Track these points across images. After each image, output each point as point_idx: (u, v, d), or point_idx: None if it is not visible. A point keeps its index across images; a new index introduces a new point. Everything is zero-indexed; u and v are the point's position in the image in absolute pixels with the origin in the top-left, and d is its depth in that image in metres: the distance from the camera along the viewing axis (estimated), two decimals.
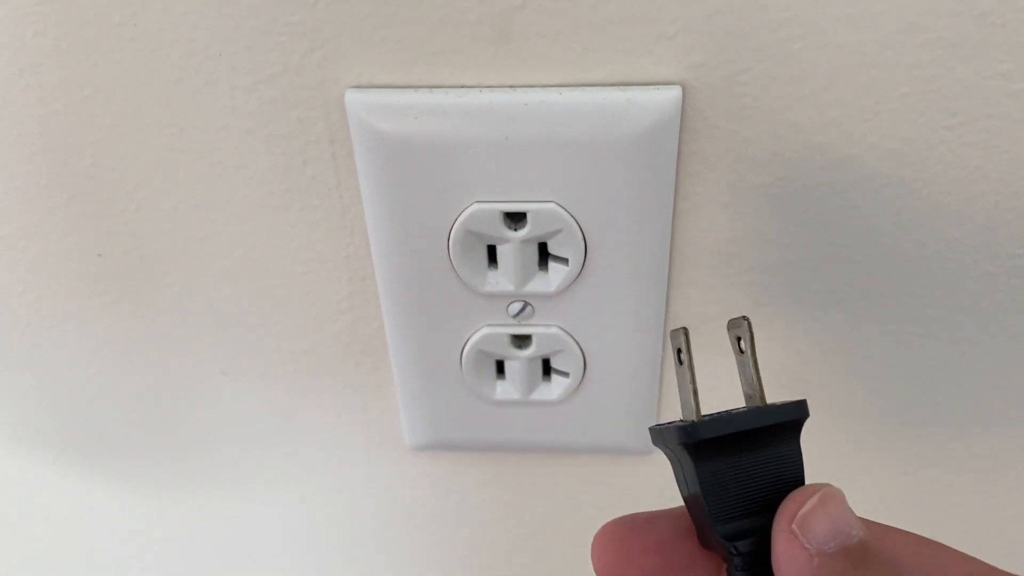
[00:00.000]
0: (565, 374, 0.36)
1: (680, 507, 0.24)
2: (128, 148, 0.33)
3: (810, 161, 0.30)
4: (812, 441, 0.38)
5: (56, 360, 0.39)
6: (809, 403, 0.36)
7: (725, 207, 0.32)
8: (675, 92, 0.29)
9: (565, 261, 0.32)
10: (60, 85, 0.31)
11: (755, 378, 0.23)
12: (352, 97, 0.30)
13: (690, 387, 0.23)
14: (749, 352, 0.23)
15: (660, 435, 0.23)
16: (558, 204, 0.31)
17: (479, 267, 0.33)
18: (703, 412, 0.23)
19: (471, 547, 0.45)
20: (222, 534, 0.46)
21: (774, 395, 0.37)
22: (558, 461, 0.41)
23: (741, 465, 0.22)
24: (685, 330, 0.23)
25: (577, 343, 0.35)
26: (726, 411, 0.23)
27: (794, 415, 0.23)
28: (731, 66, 0.29)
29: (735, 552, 0.22)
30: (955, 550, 0.23)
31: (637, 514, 0.25)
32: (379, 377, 0.38)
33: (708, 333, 0.35)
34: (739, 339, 0.24)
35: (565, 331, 0.34)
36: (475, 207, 0.31)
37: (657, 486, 0.41)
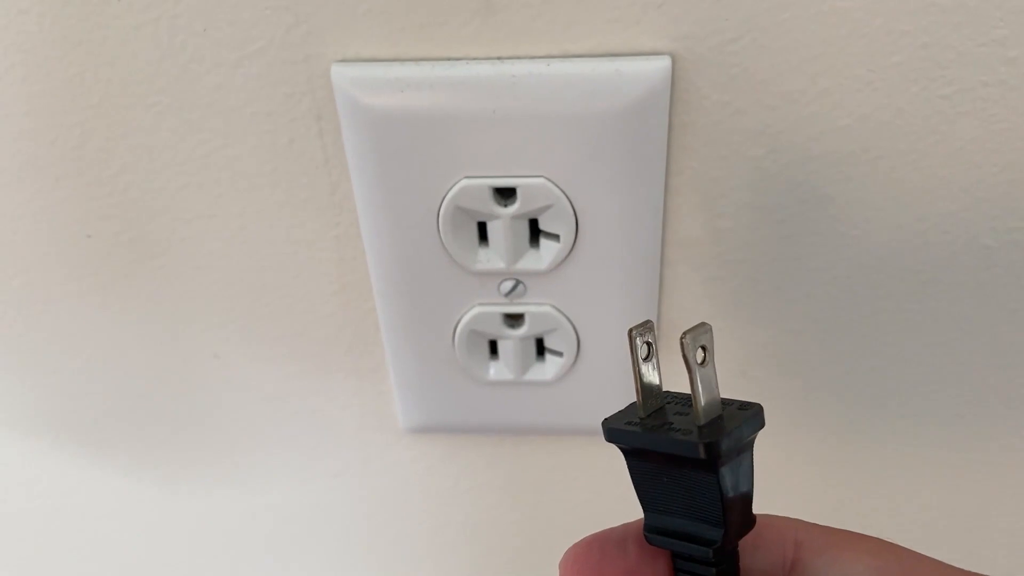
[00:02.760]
0: (559, 353, 0.35)
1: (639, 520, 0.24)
2: (114, 128, 0.32)
3: (803, 132, 0.30)
4: (808, 420, 0.38)
5: (46, 345, 0.39)
6: (803, 383, 0.35)
7: (717, 181, 0.31)
8: (665, 62, 0.29)
9: (556, 238, 0.32)
10: (44, 64, 0.31)
11: (693, 392, 0.22)
12: (338, 71, 0.30)
13: (636, 383, 0.23)
14: (711, 363, 0.22)
15: (606, 426, 0.23)
16: (548, 179, 0.30)
17: (470, 244, 0.32)
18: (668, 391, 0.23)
19: (467, 531, 0.44)
20: (217, 520, 0.45)
21: (771, 377, 0.37)
22: (553, 445, 0.40)
23: (660, 474, 0.22)
24: (644, 324, 0.23)
25: (570, 321, 0.34)
26: (678, 409, 0.23)
27: (694, 453, 0.21)
28: (720, 36, 0.28)
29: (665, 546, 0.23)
30: (875, 538, 0.23)
31: (606, 535, 0.24)
32: (372, 359, 0.38)
33: (700, 313, 0.35)
34: (704, 348, 0.22)
35: (558, 309, 0.34)
36: (464, 183, 0.31)
37: None
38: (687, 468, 0.22)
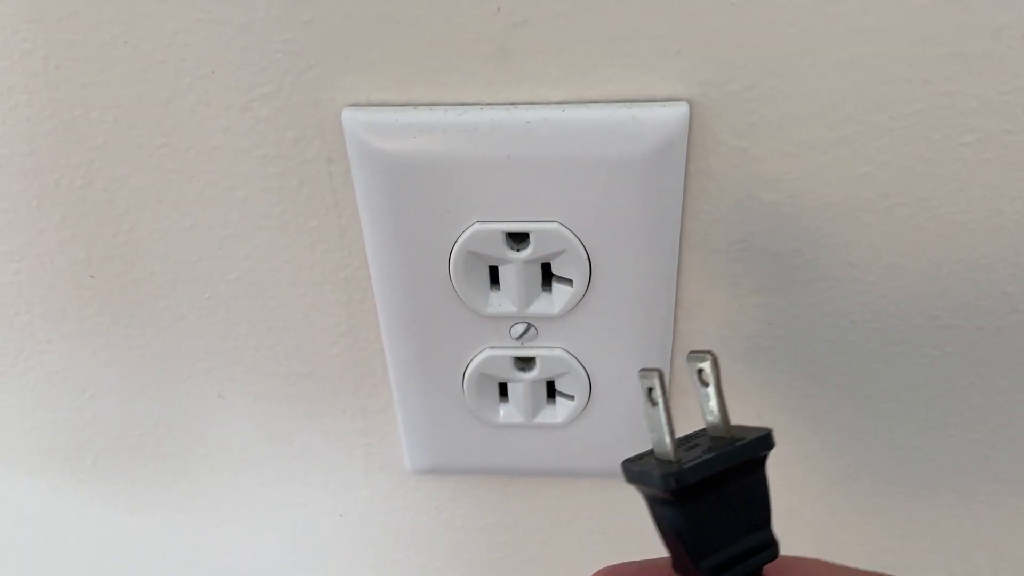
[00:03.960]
0: (570, 397, 0.35)
1: (664, 557, 0.24)
2: (120, 169, 0.32)
3: (821, 179, 0.30)
4: (822, 464, 0.37)
5: (49, 384, 0.38)
6: (820, 426, 0.35)
7: (734, 226, 0.31)
8: (682, 109, 0.28)
9: (569, 282, 0.31)
10: (49, 104, 0.30)
11: (718, 409, 0.23)
12: (349, 115, 0.29)
13: (666, 428, 0.22)
14: (714, 384, 0.23)
15: (639, 477, 0.23)
16: (561, 224, 0.30)
17: (481, 288, 0.32)
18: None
19: (474, 573, 0.44)
20: (221, 560, 0.45)
21: (786, 422, 0.36)
22: (563, 485, 0.40)
23: (716, 503, 0.23)
24: (659, 372, 0.23)
25: (582, 365, 0.34)
26: (690, 444, 0.23)
27: (763, 448, 0.23)
28: (739, 82, 0.28)
29: None
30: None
31: (626, 569, 0.24)
32: (379, 400, 0.37)
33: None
34: (700, 371, 0.23)
35: (570, 353, 0.34)
36: (476, 227, 0.30)
37: None
38: (739, 477, 0.23)
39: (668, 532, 0.23)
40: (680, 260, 0.32)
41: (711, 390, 0.23)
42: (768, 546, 0.23)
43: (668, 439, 0.22)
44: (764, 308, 0.33)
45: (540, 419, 0.35)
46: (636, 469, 0.23)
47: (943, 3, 0.26)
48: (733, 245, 0.31)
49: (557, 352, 0.33)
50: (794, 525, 0.39)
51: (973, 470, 0.37)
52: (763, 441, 0.23)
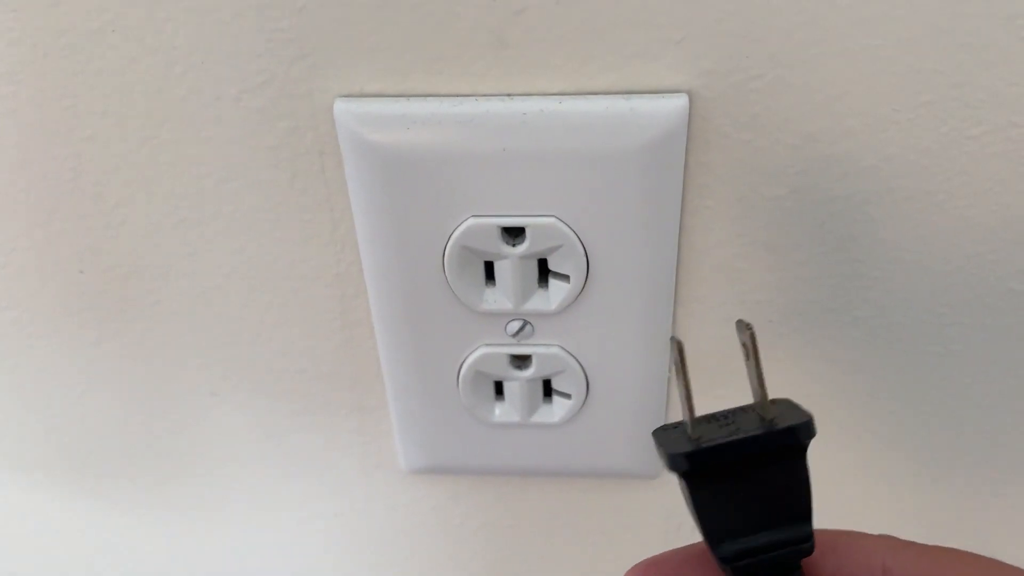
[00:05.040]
0: (567, 395, 0.34)
1: (700, 543, 0.23)
2: (109, 161, 0.31)
3: (826, 173, 0.29)
4: (824, 465, 0.37)
5: (38, 380, 0.38)
6: (822, 424, 0.34)
7: (735, 221, 0.30)
8: (682, 100, 0.27)
9: (566, 278, 0.31)
10: (37, 95, 0.30)
11: (758, 385, 0.22)
12: (342, 107, 0.28)
13: (684, 402, 0.22)
14: (753, 358, 0.22)
15: (659, 449, 0.22)
16: (558, 218, 0.29)
17: (476, 284, 0.31)
18: (702, 415, 0.22)
19: (471, 573, 0.43)
20: (213, 561, 0.44)
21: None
22: (560, 485, 0.39)
23: (740, 486, 0.22)
24: (679, 343, 0.22)
25: (579, 363, 0.33)
26: (725, 421, 0.22)
27: (795, 440, 0.21)
28: (742, 73, 0.27)
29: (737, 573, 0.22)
30: (973, 554, 0.22)
31: (664, 560, 0.23)
32: (374, 398, 0.37)
33: (716, 353, 0.34)
34: (744, 345, 0.22)
35: (566, 351, 0.33)
36: (471, 222, 0.29)
37: (663, 511, 0.39)
38: (772, 463, 0.21)
39: (690, 509, 0.22)
40: (679, 255, 0.31)
41: (752, 363, 0.22)
42: (805, 540, 0.22)
43: (687, 415, 0.22)
44: (765, 305, 0.32)
45: (536, 418, 0.35)
46: (660, 440, 0.22)
47: None
48: (734, 240, 0.31)
49: (554, 350, 0.33)
50: None
51: (979, 469, 0.37)
52: (798, 430, 0.21)
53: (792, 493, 0.22)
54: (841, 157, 0.28)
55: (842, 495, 0.38)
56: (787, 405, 0.23)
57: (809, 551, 0.22)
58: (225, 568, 0.44)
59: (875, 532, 0.39)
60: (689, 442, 0.21)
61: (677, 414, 0.36)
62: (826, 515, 0.38)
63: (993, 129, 0.28)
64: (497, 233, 0.30)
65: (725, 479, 0.21)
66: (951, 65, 0.26)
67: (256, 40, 0.28)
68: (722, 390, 0.34)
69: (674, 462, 0.21)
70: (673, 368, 0.22)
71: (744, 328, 0.22)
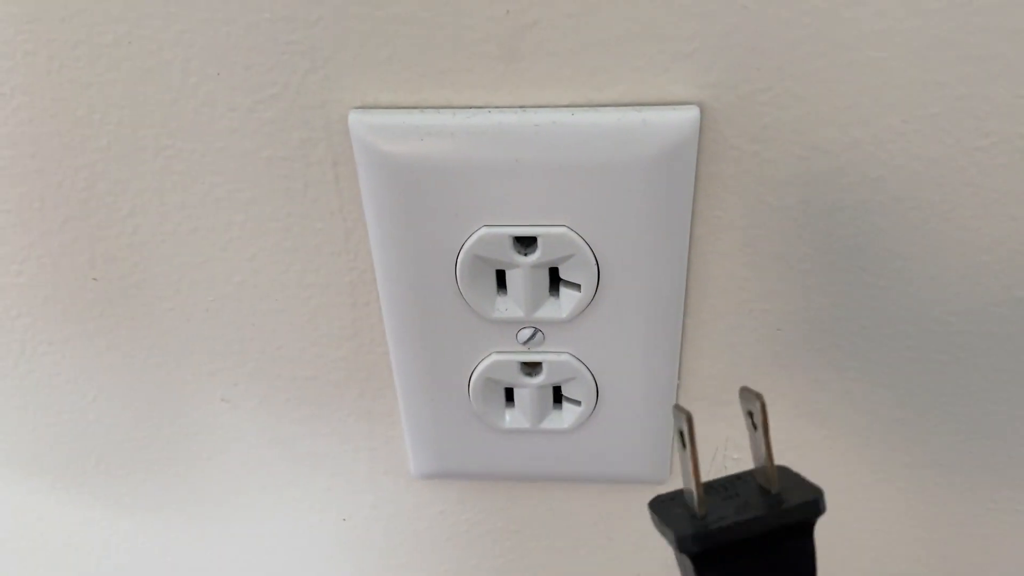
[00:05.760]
0: (577, 402, 0.35)
1: None
2: (124, 170, 0.31)
3: (833, 183, 0.29)
4: (834, 473, 0.37)
5: (51, 386, 0.38)
6: (828, 433, 0.34)
7: (744, 231, 0.31)
8: (693, 112, 0.28)
9: (577, 287, 0.31)
10: (53, 105, 0.30)
11: (765, 457, 0.22)
12: (356, 118, 0.29)
13: (692, 478, 0.21)
14: (761, 428, 0.22)
15: (660, 526, 0.22)
16: (570, 228, 0.30)
17: (487, 293, 0.32)
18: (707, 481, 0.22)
19: None
20: (223, 565, 0.44)
21: (793, 426, 0.36)
22: (569, 491, 0.39)
23: (746, 563, 0.21)
24: (688, 414, 0.21)
25: (589, 371, 0.33)
26: (727, 493, 0.22)
27: (805, 516, 0.21)
28: (751, 85, 0.27)
29: None
30: None
31: None
32: (384, 404, 0.37)
33: (723, 362, 0.34)
34: (751, 414, 0.22)
35: (577, 358, 0.33)
36: (483, 231, 0.30)
37: None
38: (779, 541, 0.21)
39: None
40: (689, 265, 0.32)
41: (759, 434, 0.22)
42: None
43: (695, 490, 0.21)
44: (774, 313, 0.33)
45: (546, 424, 0.35)
46: (660, 515, 0.21)
47: (958, 6, 0.26)
48: (743, 250, 0.31)
49: (564, 357, 0.33)
50: None
51: (987, 477, 0.37)
52: (808, 507, 0.21)
53: (798, 570, 0.21)
54: (848, 168, 0.29)
55: (850, 503, 0.38)
56: (791, 477, 0.22)
57: None
58: (234, 572, 0.45)
59: (884, 542, 0.39)
60: (695, 521, 0.21)
61: None
62: (834, 524, 0.39)
63: (999, 140, 0.28)
64: (509, 242, 0.30)
65: (731, 557, 0.21)
66: (957, 77, 0.27)
67: (271, 52, 0.28)
68: (727, 395, 0.35)
69: (683, 544, 0.20)
70: (678, 439, 0.21)
71: (753, 398, 0.22)
